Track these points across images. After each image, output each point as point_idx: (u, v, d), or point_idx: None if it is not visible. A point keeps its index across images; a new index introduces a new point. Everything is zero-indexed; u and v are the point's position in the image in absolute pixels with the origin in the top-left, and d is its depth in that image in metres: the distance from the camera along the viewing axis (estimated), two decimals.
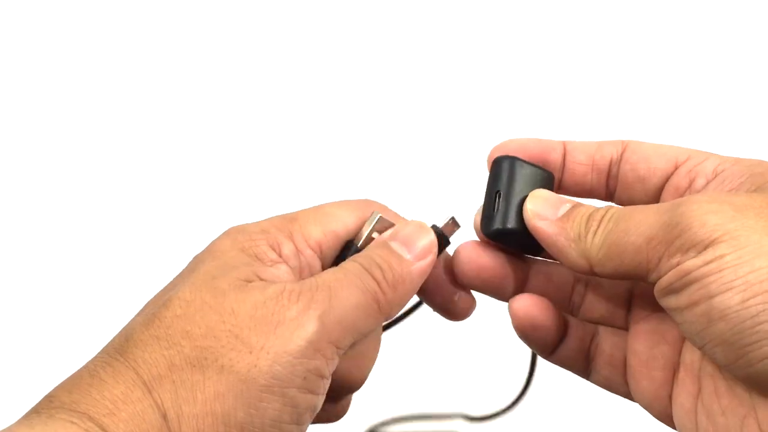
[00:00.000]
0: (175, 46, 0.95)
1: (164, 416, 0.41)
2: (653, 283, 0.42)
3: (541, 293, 0.48)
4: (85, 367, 0.43)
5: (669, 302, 0.41)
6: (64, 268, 0.86)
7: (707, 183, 0.46)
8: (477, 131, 0.89)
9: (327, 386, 0.43)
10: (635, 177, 0.48)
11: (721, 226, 0.39)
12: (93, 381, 0.42)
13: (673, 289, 0.41)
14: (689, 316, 0.40)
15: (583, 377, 0.49)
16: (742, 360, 0.39)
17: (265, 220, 0.48)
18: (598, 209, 0.45)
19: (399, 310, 0.46)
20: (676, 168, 0.47)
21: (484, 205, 0.48)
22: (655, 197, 0.48)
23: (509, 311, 0.48)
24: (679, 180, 0.47)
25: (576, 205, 0.46)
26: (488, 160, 0.49)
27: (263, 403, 0.41)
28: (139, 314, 0.45)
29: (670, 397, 0.45)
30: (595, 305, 0.49)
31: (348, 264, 0.45)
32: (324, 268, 0.47)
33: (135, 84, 0.94)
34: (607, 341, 0.48)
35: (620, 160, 0.48)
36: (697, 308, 0.40)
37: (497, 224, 0.47)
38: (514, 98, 0.91)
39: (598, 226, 0.44)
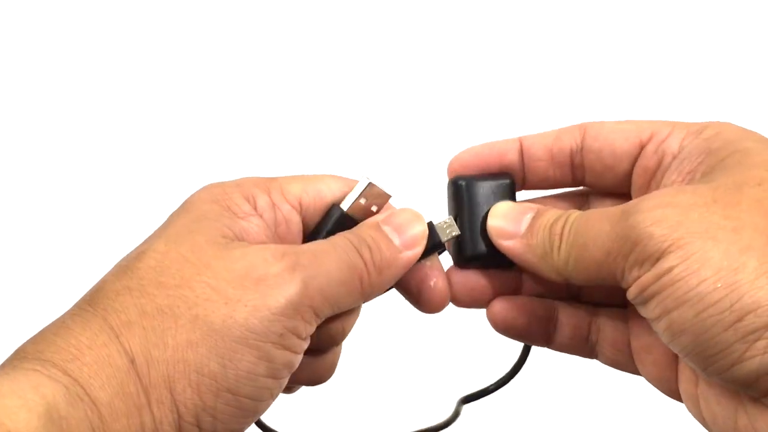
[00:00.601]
0: (160, 40, 0.94)
1: (132, 361, 0.40)
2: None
3: (536, 289, 0.49)
4: (56, 320, 0.43)
5: (641, 312, 0.42)
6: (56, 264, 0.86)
7: (673, 160, 0.45)
8: (470, 129, 0.90)
9: (305, 347, 0.43)
10: (602, 166, 0.47)
11: (667, 236, 0.39)
12: (59, 331, 0.41)
13: (639, 302, 0.41)
14: (657, 328, 0.40)
15: (589, 358, 0.49)
16: (712, 368, 0.39)
17: (243, 178, 0.47)
18: (557, 219, 0.45)
19: (378, 295, 0.46)
20: (642, 148, 0.46)
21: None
22: (626, 181, 0.47)
23: (487, 318, 0.49)
24: (647, 161, 0.46)
25: (536, 215, 0.46)
26: (448, 178, 0.49)
27: (237, 354, 0.41)
28: (112, 269, 0.44)
29: (676, 379, 0.45)
30: (593, 289, 0.49)
31: (337, 238, 0.45)
32: (306, 226, 0.47)
33: (123, 79, 0.93)
34: (608, 325, 0.48)
35: (581, 148, 0.47)
36: (661, 322, 0.40)
37: (467, 251, 0.47)
38: (508, 94, 0.92)
39: (561, 241, 0.44)
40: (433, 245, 0.47)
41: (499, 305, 0.48)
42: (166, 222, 0.45)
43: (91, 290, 0.44)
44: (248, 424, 0.43)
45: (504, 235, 0.46)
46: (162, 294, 0.41)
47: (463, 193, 0.48)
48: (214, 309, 0.41)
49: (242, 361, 0.41)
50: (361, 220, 0.47)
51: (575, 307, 0.49)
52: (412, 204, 0.49)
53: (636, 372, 0.47)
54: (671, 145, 0.45)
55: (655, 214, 0.40)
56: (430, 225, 0.47)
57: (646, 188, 0.46)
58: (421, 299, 0.48)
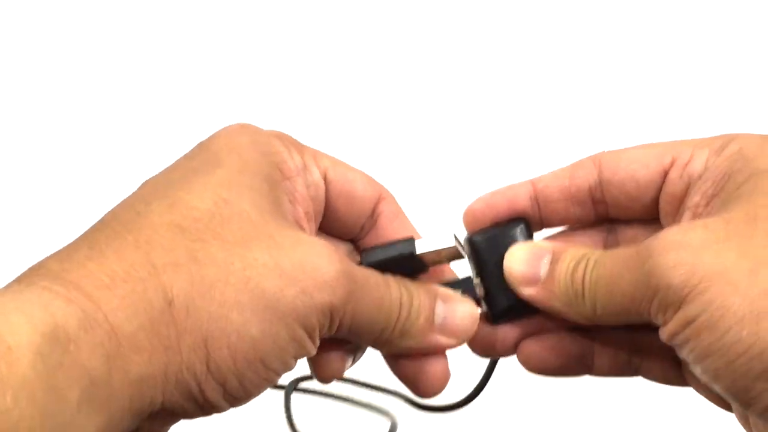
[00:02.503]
0: (152, 38, 0.92)
1: (170, 302, 0.38)
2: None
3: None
4: (84, 237, 0.40)
5: (678, 354, 0.41)
6: None
7: (698, 180, 0.44)
8: (477, 135, 0.89)
9: (317, 347, 0.42)
10: (626, 198, 0.46)
11: (685, 283, 0.39)
12: (92, 253, 0.39)
13: (673, 345, 0.41)
14: (695, 371, 0.40)
15: (633, 376, 0.49)
16: (751, 410, 0.40)
17: (277, 131, 0.46)
18: (578, 264, 0.44)
19: (387, 351, 0.46)
20: (665, 174, 0.45)
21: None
22: (653, 209, 0.46)
23: (519, 362, 0.48)
24: (673, 188, 0.45)
25: (554, 259, 0.45)
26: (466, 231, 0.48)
27: (275, 328, 0.39)
28: (146, 190, 0.42)
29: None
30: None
31: (393, 282, 0.44)
32: (328, 209, 0.46)
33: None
34: (652, 345, 0.46)
35: (600, 182, 0.46)
36: (696, 368, 0.40)
37: (496, 309, 0.47)
38: (512, 99, 0.91)
39: (584, 288, 0.43)
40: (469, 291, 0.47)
41: (529, 348, 0.48)
42: (205, 164, 0.42)
43: (126, 210, 0.41)
44: (260, 393, 0.42)
45: (524, 282, 0.46)
46: (218, 245, 0.39)
47: (478, 247, 0.47)
48: (268, 277, 0.39)
49: (279, 336, 0.40)
50: (426, 265, 0.46)
51: (611, 334, 0.48)
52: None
53: (687, 385, 0.47)
54: (695, 168, 0.44)
55: (669, 259, 0.39)
56: (470, 280, 0.47)
57: (675, 214, 0.45)
58: (418, 387, 0.47)
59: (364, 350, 0.46)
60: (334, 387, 0.51)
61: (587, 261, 0.44)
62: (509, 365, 0.49)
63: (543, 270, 0.45)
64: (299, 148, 0.45)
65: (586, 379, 0.49)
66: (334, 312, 0.41)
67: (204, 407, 0.40)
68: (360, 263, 0.45)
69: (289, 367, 0.41)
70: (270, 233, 0.40)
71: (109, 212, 0.42)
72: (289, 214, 0.43)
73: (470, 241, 0.47)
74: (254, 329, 0.39)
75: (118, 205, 0.42)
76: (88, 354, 0.36)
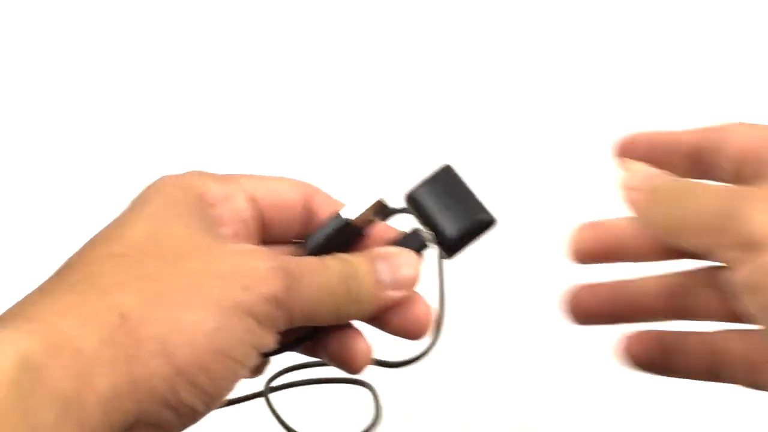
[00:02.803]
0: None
1: (123, 316, 0.40)
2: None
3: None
4: (35, 288, 0.43)
5: (740, 301, 0.42)
6: None
7: None
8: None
9: (275, 340, 0.45)
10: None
11: None
12: (43, 293, 0.42)
13: (737, 292, 0.42)
14: (756, 320, 0.42)
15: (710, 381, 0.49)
16: None
17: (200, 170, 0.49)
18: (677, 182, 0.46)
19: (350, 320, 0.48)
20: None
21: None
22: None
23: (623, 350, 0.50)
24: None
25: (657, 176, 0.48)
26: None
27: (230, 321, 0.42)
28: (86, 243, 0.45)
29: None
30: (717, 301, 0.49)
31: (331, 261, 0.47)
32: (265, 223, 0.49)
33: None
34: (737, 343, 0.48)
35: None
36: (759, 317, 0.41)
37: (449, 243, 0.50)
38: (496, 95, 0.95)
39: (676, 205, 0.45)
40: (420, 246, 0.50)
41: (633, 344, 0.51)
42: (135, 206, 0.46)
43: (69, 259, 0.44)
44: (232, 390, 0.44)
45: (633, 187, 0.48)
46: (156, 262, 0.43)
47: (419, 200, 0.51)
48: (208, 280, 0.42)
49: (235, 328, 0.42)
50: (362, 228, 0.50)
51: (704, 318, 0.49)
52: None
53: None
54: None
55: (764, 205, 0.41)
56: (415, 231, 0.50)
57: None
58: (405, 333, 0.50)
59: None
60: (308, 372, 0.54)
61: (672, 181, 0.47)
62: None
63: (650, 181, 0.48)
64: (218, 178, 0.48)
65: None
66: (279, 303, 0.44)
67: (181, 411, 0.42)
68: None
69: (250, 357, 0.43)
70: (204, 248, 0.44)
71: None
72: (218, 233, 0.47)
73: (409, 197, 0.51)
74: (208, 324, 0.42)
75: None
76: (58, 377, 0.38)
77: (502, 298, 0.86)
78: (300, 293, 0.45)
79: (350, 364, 0.49)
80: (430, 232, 0.50)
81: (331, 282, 0.46)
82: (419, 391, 0.80)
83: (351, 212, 0.49)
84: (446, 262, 0.51)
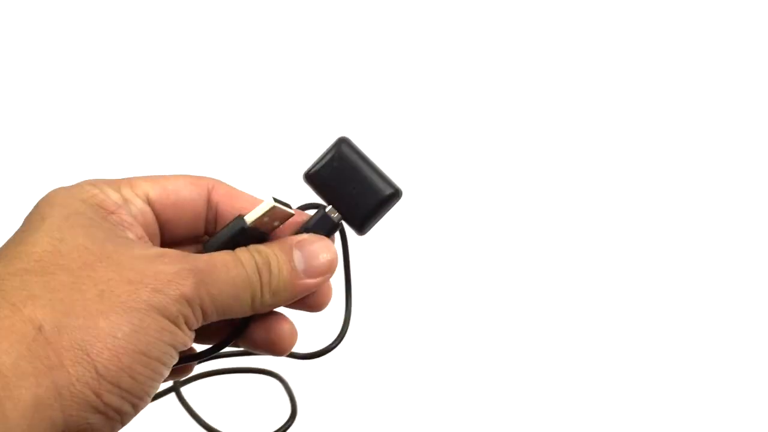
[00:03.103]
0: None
1: (39, 328, 0.41)
2: None
3: None
4: None
5: None
6: None
7: None
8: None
9: (193, 336, 0.45)
10: None
11: None
12: None
13: None
14: None
15: None
16: None
17: (92, 179, 0.48)
18: None
19: (269, 310, 0.49)
20: None
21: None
22: None
23: None
24: None
25: None
26: None
27: (144, 323, 0.43)
28: None
29: None
30: None
31: (243, 252, 0.47)
32: (161, 223, 0.49)
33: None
34: None
35: None
36: None
37: (360, 220, 0.50)
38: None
39: None
40: (332, 228, 0.50)
41: None
42: (32, 222, 0.46)
43: None
44: (156, 389, 0.45)
45: None
46: (64, 273, 0.43)
47: (321, 178, 0.50)
48: (118, 286, 0.43)
49: (150, 328, 0.43)
50: (264, 232, 0.49)
51: None
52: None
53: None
54: None
55: None
56: (322, 211, 0.50)
57: None
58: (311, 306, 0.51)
59: None
60: (216, 363, 0.55)
61: None
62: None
63: None
64: (114, 184, 0.48)
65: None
66: (191, 301, 0.44)
67: (109, 415, 0.42)
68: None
69: (169, 356, 0.44)
70: (108, 255, 0.44)
71: None
72: (123, 239, 0.46)
73: (309, 176, 0.50)
74: (124, 327, 0.42)
75: None
76: None
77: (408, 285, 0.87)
78: (211, 289, 0.45)
79: (277, 346, 0.50)
80: (337, 212, 0.50)
81: (244, 275, 0.46)
82: (327, 383, 0.81)
83: (250, 216, 0.48)
84: (358, 239, 0.51)
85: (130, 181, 0.49)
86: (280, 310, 0.50)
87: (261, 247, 0.48)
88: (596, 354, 0.85)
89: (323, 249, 0.49)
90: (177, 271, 0.44)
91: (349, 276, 0.52)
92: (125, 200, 0.48)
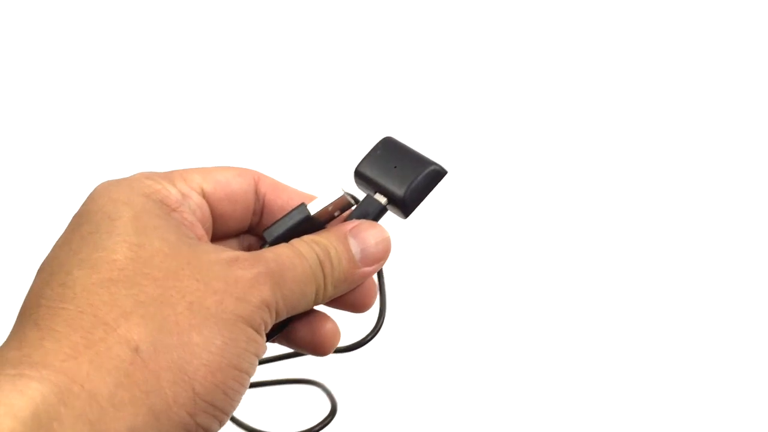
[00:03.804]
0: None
1: (136, 349, 0.40)
2: None
3: None
4: (24, 323, 0.41)
5: None
6: None
7: None
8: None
9: (265, 346, 0.45)
10: None
11: None
12: (43, 333, 0.40)
13: None
14: None
15: None
16: None
17: (143, 172, 0.47)
18: None
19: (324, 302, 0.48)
20: None
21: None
22: None
23: None
24: None
25: None
26: None
27: (233, 334, 0.42)
28: (53, 267, 0.43)
29: None
30: None
31: (304, 246, 0.47)
32: (214, 215, 0.48)
33: None
34: None
35: None
36: None
37: (407, 204, 0.50)
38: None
39: None
40: (379, 212, 0.50)
41: None
42: (101, 222, 0.44)
43: (52, 288, 0.42)
44: (239, 403, 0.44)
45: None
46: (151, 284, 0.41)
47: (369, 172, 0.50)
48: (205, 297, 0.42)
49: (239, 339, 0.42)
50: (324, 222, 0.49)
51: None
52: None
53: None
54: None
55: None
56: (368, 197, 0.50)
57: None
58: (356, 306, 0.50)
59: None
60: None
61: None
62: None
63: None
64: (169, 178, 0.47)
65: None
66: (270, 306, 0.44)
67: None
68: (263, 245, 0.48)
69: (254, 366, 0.44)
70: (188, 260, 0.43)
71: (27, 300, 0.42)
72: (190, 239, 0.45)
73: (358, 172, 0.50)
74: (217, 341, 0.41)
75: (31, 292, 0.43)
76: (72, 427, 0.37)
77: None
78: (284, 290, 0.45)
79: (319, 347, 0.50)
80: (383, 197, 0.50)
81: (309, 270, 0.46)
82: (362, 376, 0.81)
83: (316, 205, 0.48)
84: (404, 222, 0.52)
85: (182, 174, 0.48)
86: (322, 308, 0.50)
87: (317, 237, 0.47)
88: (603, 352, 0.86)
89: (377, 235, 0.48)
90: (255, 277, 0.43)
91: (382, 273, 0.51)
92: (183, 195, 0.47)
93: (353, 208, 0.50)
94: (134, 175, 0.46)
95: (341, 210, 0.49)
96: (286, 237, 0.48)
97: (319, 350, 0.50)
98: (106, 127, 0.93)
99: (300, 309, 0.46)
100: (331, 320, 0.50)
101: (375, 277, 0.50)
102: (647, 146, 0.96)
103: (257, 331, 0.43)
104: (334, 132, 0.93)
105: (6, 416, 0.36)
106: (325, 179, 0.52)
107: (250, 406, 0.54)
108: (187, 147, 0.92)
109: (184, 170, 0.48)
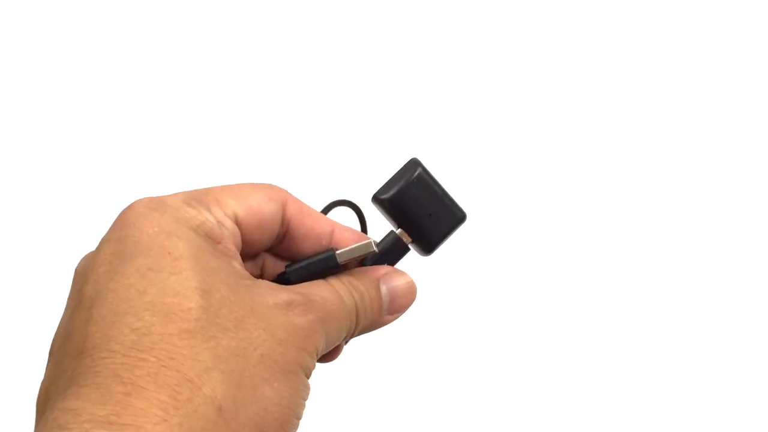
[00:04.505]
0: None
1: (219, 408, 0.40)
2: None
3: None
4: (97, 369, 0.39)
5: None
6: None
7: None
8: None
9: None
10: None
11: None
12: (127, 389, 0.38)
13: None
14: None
15: None
16: None
17: (176, 193, 0.46)
18: None
19: None
20: None
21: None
22: None
23: None
24: None
25: None
26: None
27: (295, 384, 0.43)
28: (117, 305, 0.41)
29: None
30: None
31: (344, 291, 0.47)
32: (246, 242, 0.47)
33: None
34: None
35: None
36: None
37: (431, 242, 0.51)
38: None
39: None
40: (402, 252, 0.51)
41: None
42: (158, 255, 0.42)
43: (113, 331, 0.40)
44: None
45: None
46: (226, 336, 0.41)
47: (393, 204, 0.50)
48: (273, 348, 0.43)
49: (299, 389, 0.44)
50: (344, 264, 0.49)
51: None
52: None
53: None
54: None
55: None
56: (394, 235, 0.51)
57: None
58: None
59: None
60: None
61: None
62: None
63: None
64: (205, 204, 0.46)
65: None
66: (320, 352, 0.45)
67: None
68: (285, 276, 0.49)
69: (304, 410, 0.45)
70: (251, 307, 0.43)
71: (90, 337, 0.40)
72: (248, 281, 0.45)
73: (385, 199, 0.50)
74: (285, 393, 0.43)
75: (92, 327, 0.41)
76: None
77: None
78: (328, 335, 0.46)
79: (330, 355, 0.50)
80: (408, 236, 0.51)
81: (347, 314, 0.47)
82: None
83: (345, 256, 0.49)
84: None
85: (217, 198, 0.46)
86: None
87: (354, 282, 0.48)
88: (603, 352, 0.87)
89: (407, 285, 0.50)
90: (310, 325, 0.44)
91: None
92: (219, 223, 0.46)
93: (381, 241, 0.51)
94: (171, 197, 0.45)
95: (365, 259, 0.50)
96: (307, 278, 0.49)
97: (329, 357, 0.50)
98: (114, 130, 0.92)
99: (332, 346, 0.47)
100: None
101: None
102: (647, 146, 0.98)
103: (309, 377, 0.45)
104: (343, 135, 0.94)
105: None
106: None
107: None
108: (204, 152, 0.91)
109: (217, 191, 0.47)
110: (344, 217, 0.51)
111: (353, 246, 0.48)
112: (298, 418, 0.44)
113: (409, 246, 0.51)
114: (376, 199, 0.51)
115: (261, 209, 0.47)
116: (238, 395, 0.40)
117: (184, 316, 0.40)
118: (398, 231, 0.51)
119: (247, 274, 0.45)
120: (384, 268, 0.50)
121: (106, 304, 0.41)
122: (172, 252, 0.42)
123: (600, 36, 1.00)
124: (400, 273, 0.50)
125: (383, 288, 0.49)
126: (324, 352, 0.47)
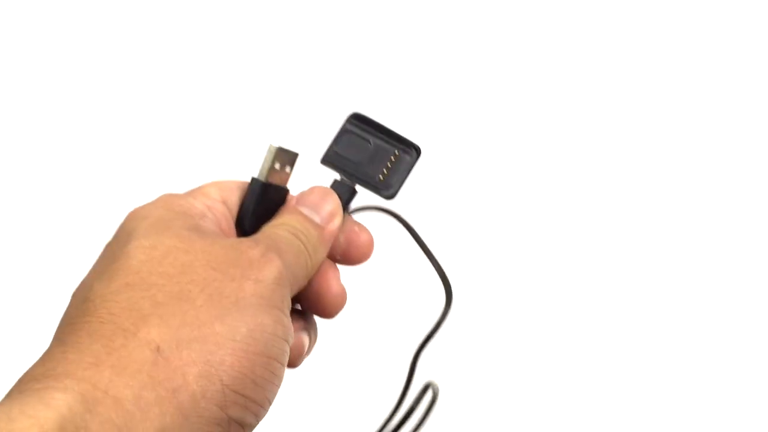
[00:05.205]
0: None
1: (157, 349, 0.39)
2: None
3: None
4: (54, 342, 0.41)
5: None
6: None
7: None
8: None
9: (292, 327, 0.44)
10: None
11: None
12: (66, 348, 0.39)
13: None
14: None
15: None
16: None
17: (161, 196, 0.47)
18: None
19: (314, 272, 0.48)
20: None
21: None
22: None
23: None
24: None
25: None
26: None
27: (258, 319, 0.41)
28: (85, 286, 0.43)
29: None
30: None
31: (278, 230, 0.47)
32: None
33: None
34: None
35: None
36: None
37: (389, 191, 0.51)
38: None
39: None
40: (349, 196, 0.50)
41: None
42: (120, 236, 0.44)
43: (74, 307, 0.42)
44: (276, 394, 0.43)
45: None
46: (169, 282, 0.41)
47: (338, 156, 0.51)
48: (224, 286, 0.41)
49: (265, 324, 0.41)
50: (280, 183, 0.49)
51: None
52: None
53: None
54: None
55: None
56: (336, 181, 0.50)
57: None
58: (350, 254, 0.50)
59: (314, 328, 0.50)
60: None
61: None
62: None
63: None
64: (191, 194, 0.47)
65: None
66: (284, 278, 0.43)
67: (231, 430, 0.40)
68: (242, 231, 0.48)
69: (285, 353, 0.43)
70: (202, 250, 0.43)
71: (57, 328, 0.42)
72: (204, 230, 0.45)
73: (324, 159, 0.50)
74: (241, 329, 0.41)
75: (61, 320, 0.43)
76: None
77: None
78: (286, 260, 0.44)
79: (327, 309, 0.49)
80: (349, 179, 0.50)
81: (291, 240, 0.46)
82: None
83: (261, 172, 0.48)
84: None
85: (200, 190, 0.48)
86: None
87: (276, 221, 0.47)
88: (602, 351, 0.87)
89: (323, 194, 0.49)
90: (263, 253, 0.43)
91: (426, 247, 0.52)
92: (208, 207, 0.47)
93: None
94: (160, 196, 0.47)
95: (291, 164, 0.49)
96: (260, 215, 0.48)
97: (327, 312, 0.49)
98: (114, 130, 0.95)
99: (301, 280, 0.46)
100: (338, 281, 0.49)
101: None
102: (647, 146, 0.96)
103: (281, 311, 0.43)
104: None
105: (32, 428, 0.35)
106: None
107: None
108: (204, 152, 0.94)
109: (199, 187, 0.48)
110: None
111: (264, 157, 0.48)
112: (268, 356, 0.41)
113: (354, 187, 0.50)
114: (321, 161, 0.51)
115: (243, 190, 0.48)
116: (179, 335, 0.40)
117: (124, 273, 0.41)
118: (339, 177, 0.50)
119: (217, 231, 0.46)
120: (294, 197, 0.49)
121: (75, 294, 0.43)
122: (129, 229, 0.44)
123: (600, 36, 0.99)
124: (309, 189, 0.49)
125: (304, 208, 0.48)
126: (298, 286, 0.45)
